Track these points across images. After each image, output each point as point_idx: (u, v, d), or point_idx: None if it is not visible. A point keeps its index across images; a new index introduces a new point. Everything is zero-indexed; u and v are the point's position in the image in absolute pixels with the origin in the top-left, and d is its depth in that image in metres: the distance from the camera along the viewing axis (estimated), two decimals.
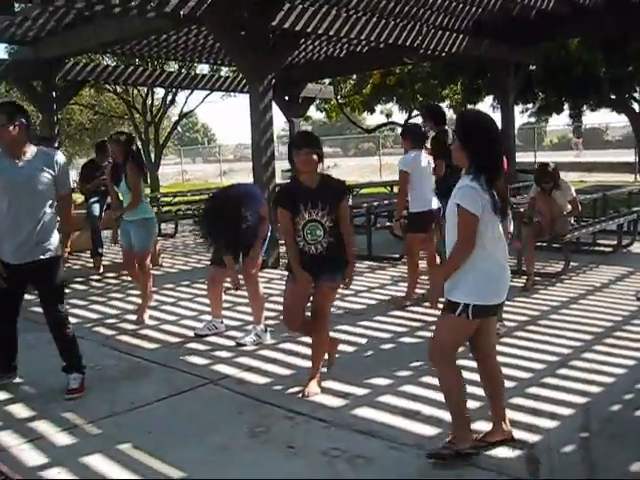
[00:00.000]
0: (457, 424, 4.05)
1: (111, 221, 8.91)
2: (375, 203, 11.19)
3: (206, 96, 27.20)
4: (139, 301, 7.70)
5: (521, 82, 15.93)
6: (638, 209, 10.95)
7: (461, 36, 13.37)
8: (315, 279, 5.07)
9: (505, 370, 5.29)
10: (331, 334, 5.47)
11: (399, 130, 26.44)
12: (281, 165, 14.81)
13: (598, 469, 3.86)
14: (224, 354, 6.10)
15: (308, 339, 6.22)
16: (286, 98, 17.35)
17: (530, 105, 21.68)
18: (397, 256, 10.24)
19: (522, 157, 21.39)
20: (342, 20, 10.98)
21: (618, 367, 5.42)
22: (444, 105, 24.60)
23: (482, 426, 4.25)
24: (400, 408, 4.71)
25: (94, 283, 9.53)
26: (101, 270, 10.15)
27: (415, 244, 7.61)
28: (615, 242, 10.52)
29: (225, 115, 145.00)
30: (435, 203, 7.33)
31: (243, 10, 9.58)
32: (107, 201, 10.34)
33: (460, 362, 5.01)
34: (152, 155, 27.84)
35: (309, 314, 5.19)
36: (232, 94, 25.63)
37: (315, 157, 4.94)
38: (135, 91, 27.02)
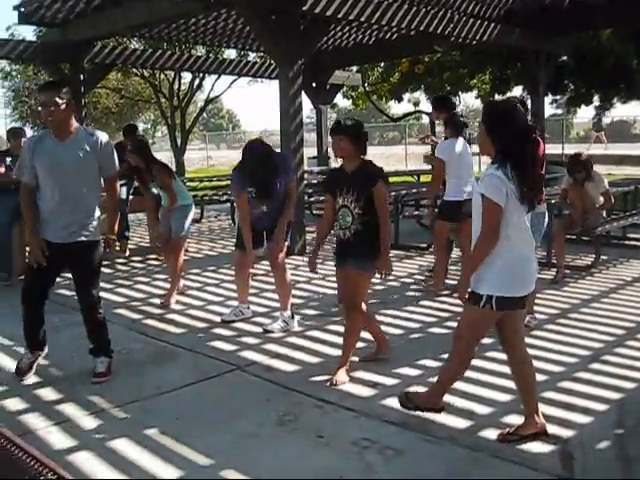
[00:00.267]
0: (435, 389, 4.22)
1: (139, 204, 8.91)
2: (403, 192, 11.08)
3: (233, 81, 27.11)
4: (166, 285, 7.67)
5: (551, 73, 15.73)
6: None
7: (492, 24, 13.18)
8: (342, 265, 5.10)
9: (536, 363, 5.19)
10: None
11: (426, 119, 26.26)
12: (308, 152, 14.71)
13: (633, 467, 3.77)
14: (251, 340, 6.06)
15: (336, 327, 6.21)
16: (314, 85, 17.26)
17: (559, 96, 21.40)
18: (424, 245, 10.15)
19: (549, 149, 21.15)
20: (373, 6, 10.84)
21: None
22: (472, 95, 24.39)
23: (515, 420, 4.18)
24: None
25: (120, 267, 9.51)
26: (127, 254, 10.14)
27: (444, 232, 7.54)
28: None
29: (251, 101, 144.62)
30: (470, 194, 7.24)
31: None
32: (134, 184, 10.35)
33: (492, 354, 4.98)
34: (178, 140, 27.86)
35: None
36: (259, 80, 25.49)
37: (346, 143, 4.94)
38: (162, 75, 27.01)
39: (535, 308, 6.67)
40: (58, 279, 5.64)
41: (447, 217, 7.38)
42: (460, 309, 6.34)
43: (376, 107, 27.80)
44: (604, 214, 9.10)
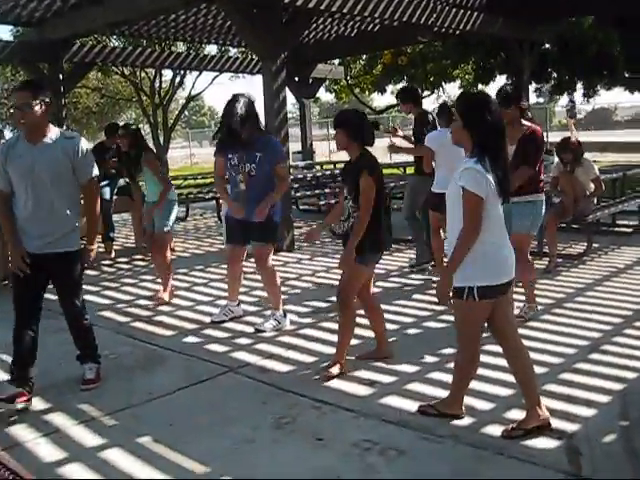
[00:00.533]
0: (453, 394, 4.19)
1: (123, 205, 8.76)
2: (392, 184, 10.94)
3: (215, 77, 27.08)
4: (153, 286, 7.52)
5: (535, 61, 15.71)
6: None
7: (475, 13, 13.10)
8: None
9: (535, 355, 5.14)
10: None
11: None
12: (292, 147, 14.58)
13: None
14: (243, 341, 5.91)
15: (329, 324, 6.09)
16: (296, 79, 17.11)
17: (543, 85, 21.38)
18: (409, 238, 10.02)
19: None
20: None
21: None
22: (455, 85, 24.34)
23: (517, 415, 4.08)
24: (429, 396, 4.51)
25: (106, 268, 9.34)
26: (113, 255, 9.98)
27: (435, 222, 7.44)
28: (636, 223, 10.32)
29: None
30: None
31: None
32: (118, 184, 10.21)
33: (489, 347, 4.86)
34: (160, 138, 27.66)
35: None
36: (240, 75, 25.34)
37: (341, 135, 4.93)
38: (143, 73, 26.79)
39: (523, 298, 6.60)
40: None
41: (436, 208, 7.26)
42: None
43: (359, 100, 27.74)
44: (595, 201, 9.02)
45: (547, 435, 3.91)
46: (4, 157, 4.65)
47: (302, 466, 3.72)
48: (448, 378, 4.57)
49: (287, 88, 10.65)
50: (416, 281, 7.78)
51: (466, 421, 4.15)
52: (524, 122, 5.95)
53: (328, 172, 15.79)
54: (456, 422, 4.14)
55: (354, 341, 5.55)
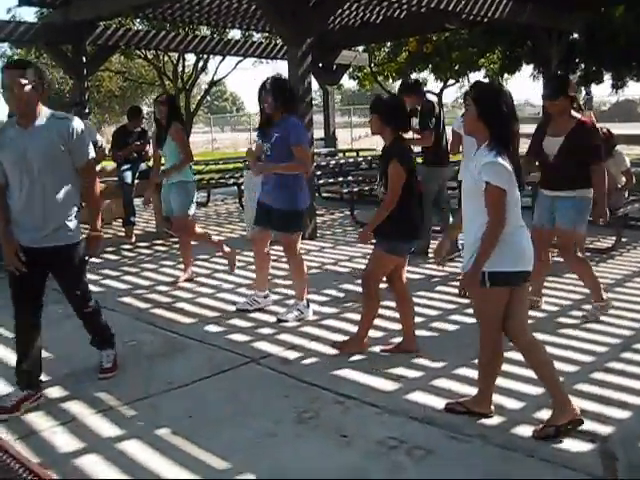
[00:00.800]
0: (482, 392, 4.10)
1: (144, 188, 8.66)
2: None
3: (238, 62, 26.85)
4: (173, 272, 7.43)
5: (563, 51, 15.43)
6: None
7: (504, 1, 12.86)
8: None
9: (565, 353, 5.05)
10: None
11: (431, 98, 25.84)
12: (315, 134, 14.42)
13: None
14: (265, 331, 5.79)
15: (352, 315, 5.96)
16: (320, 65, 16.93)
17: (570, 75, 21.10)
18: (438, 229, 9.87)
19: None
20: None
21: None
22: (480, 75, 24.06)
23: (547, 415, 3.92)
24: (457, 393, 4.37)
25: (126, 253, 9.26)
26: (133, 239, 9.88)
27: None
28: None
29: (255, 83, 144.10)
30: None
31: None
32: (140, 168, 10.12)
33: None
34: None
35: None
36: (264, 61, 25.20)
37: (374, 120, 4.94)
38: (166, 57, 26.68)
39: (556, 293, 6.45)
40: None
41: None
42: None
43: (382, 87, 27.44)
44: (626, 195, 8.81)
45: (579, 437, 3.77)
46: None
47: (326, 462, 3.61)
48: (475, 374, 4.43)
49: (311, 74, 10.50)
50: (441, 272, 7.60)
51: (495, 420, 4.02)
52: (574, 114, 5.71)
53: (351, 160, 15.64)
54: (484, 421, 4.00)
55: (378, 333, 5.45)
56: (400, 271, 5.12)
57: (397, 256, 4.98)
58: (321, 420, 4.09)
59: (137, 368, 5.02)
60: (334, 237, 9.92)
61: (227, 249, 7.52)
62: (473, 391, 4.23)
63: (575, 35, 17.64)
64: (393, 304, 5.41)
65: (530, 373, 4.46)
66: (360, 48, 20.90)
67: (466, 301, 6.31)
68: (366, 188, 12.02)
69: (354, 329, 5.35)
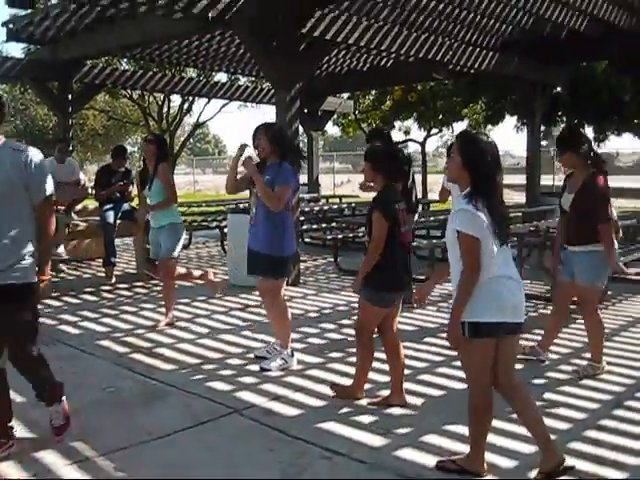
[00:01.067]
0: (474, 450, 3.94)
1: (126, 229, 8.56)
2: None
3: (224, 105, 26.89)
4: (153, 316, 7.27)
5: (547, 104, 15.64)
6: None
7: (491, 53, 13.01)
8: None
9: (556, 409, 4.89)
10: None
11: (418, 147, 25.94)
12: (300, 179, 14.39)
13: None
14: (248, 380, 5.61)
15: (338, 366, 5.82)
16: (305, 111, 16.97)
17: (552, 127, 21.31)
18: (423, 278, 9.77)
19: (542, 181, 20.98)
20: (373, 31, 10.65)
21: None
22: (463, 125, 24.24)
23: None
24: (447, 450, 4.23)
25: (105, 294, 9.07)
26: (113, 280, 9.70)
27: None
28: None
29: (237, 127, 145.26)
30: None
31: (273, 15, 9.17)
32: (122, 208, 9.99)
33: None
34: None
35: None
36: (249, 104, 25.27)
37: (367, 169, 5.00)
38: (151, 98, 26.72)
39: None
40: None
41: None
42: None
43: (366, 134, 27.65)
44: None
45: None
46: None
47: None
48: (466, 430, 4.30)
49: None
50: (429, 324, 7.48)
51: None
52: (587, 168, 5.64)
53: (335, 206, 15.60)
54: None
55: (365, 385, 5.29)
56: (391, 321, 5.04)
57: (380, 307, 4.91)
58: (308, 476, 3.93)
59: (115, 416, 4.82)
60: (317, 284, 9.80)
61: (213, 278, 7.53)
62: (464, 448, 4.09)
63: (559, 89, 17.84)
64: (382, 355, 5.27)
65: (523, 430, 4.36)
66: (345, 95, 21.01)
67: (452, 353, 6.19)
68: (350, 235, 11.95)
69: (340, 380, 5.21)
